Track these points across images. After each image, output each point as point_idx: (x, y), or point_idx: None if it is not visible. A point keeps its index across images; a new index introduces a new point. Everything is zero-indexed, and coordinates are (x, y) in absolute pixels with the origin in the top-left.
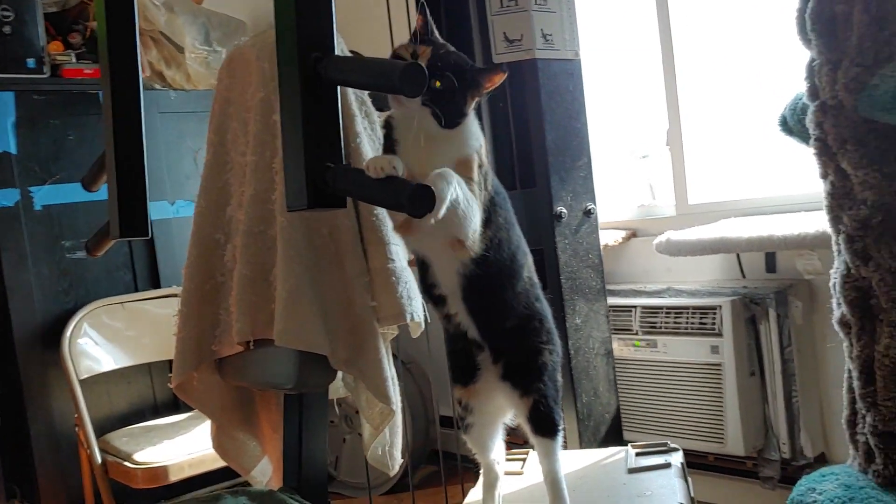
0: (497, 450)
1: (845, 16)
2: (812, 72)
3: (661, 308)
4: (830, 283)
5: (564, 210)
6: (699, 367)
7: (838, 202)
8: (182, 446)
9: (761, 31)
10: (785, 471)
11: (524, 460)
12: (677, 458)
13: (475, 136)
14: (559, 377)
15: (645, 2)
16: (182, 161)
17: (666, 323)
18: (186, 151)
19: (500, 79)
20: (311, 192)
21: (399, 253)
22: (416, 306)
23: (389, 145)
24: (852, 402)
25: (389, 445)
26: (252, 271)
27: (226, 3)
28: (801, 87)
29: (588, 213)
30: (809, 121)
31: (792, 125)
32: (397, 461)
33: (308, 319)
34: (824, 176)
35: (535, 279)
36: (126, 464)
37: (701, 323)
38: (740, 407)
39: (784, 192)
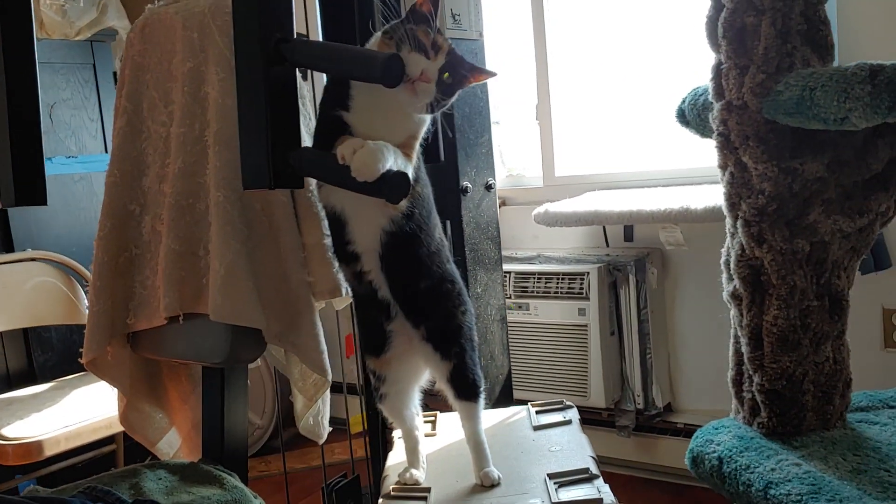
0: (414, 416)
1: (754, 27)
2: (719, 74)
3: (532, 273)
4: (722, 260)
5: (469, 185)
6: (567, 328)
7: (737, 191)
8: (54, 419)
9: (631, 16)
10: (638, 420)
11: (434, 422)
12: (574, 415)
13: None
14: (476, 339)
15: None
16: None
17: (537, 287)
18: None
19: (485, 78)
20: (273, 172)
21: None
22: None
23: (342, 101)
24: (738, 363)
25: (320, 415)
26: (180, 245)
27: None
28: (686, 80)
29: (489, 188)
30: (714, 117)
31: (690, 119)
32: (326, 429)
33: (244, 295)
34: (724, 167)
35: (446, 242)
36: None
37: (569, 288)
38: (603, 364)
39: (641, 168)
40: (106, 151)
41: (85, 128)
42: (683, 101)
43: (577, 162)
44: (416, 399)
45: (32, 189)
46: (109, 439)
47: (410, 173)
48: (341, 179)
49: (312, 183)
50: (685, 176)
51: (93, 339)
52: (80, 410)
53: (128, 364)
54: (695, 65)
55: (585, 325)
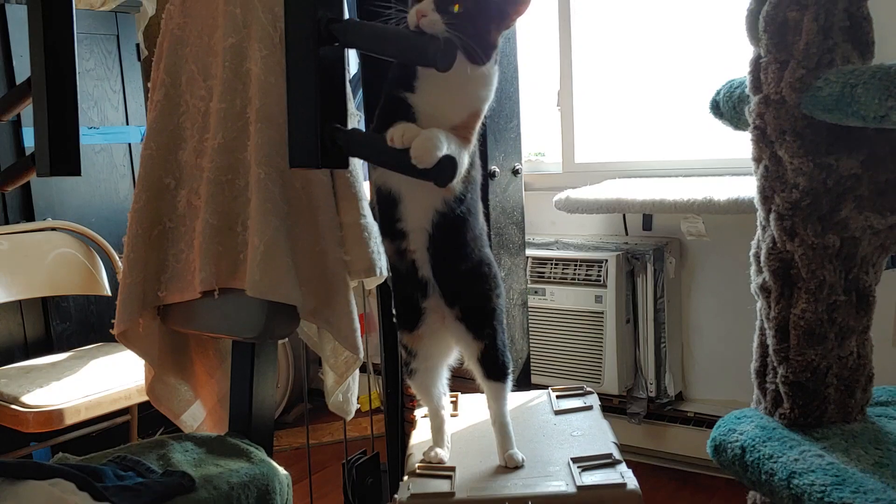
0: (442, 395)
1: (796, 22)
2: (758, 67)
3: (550, 259)
4: (751, 253)
5: (497, 169)
6: (583, 315)
7: (771, 184)
8: (75, 388)
9: (657, 3)
10: (649, 407)
11: (455, 402)
12: (595, 401)
13: (493, 86)
14: (505, 322)
15: None
16: None
17: (554, 273)
18: None
19: (526, 8)
20: (321, 151)
21: (368, 209)
22: (383, 261)
23: (408, 82)
24: (763, 355)
25: (349, 392)
26: (218, 220)
27: None
28: (709, 69)
29: (516, 173)
30: (751, 111)
31: (724, 111)
32: (354, 406)
33: (282, 271)
34: (758, 160)
35: (485, 226)
36: (14, 407)
37: (587, 274)
38: (617, 351)
39: (662, 157)
40: (127, 123)
41: (107, 99)
42: (718, 93)
43: (597, 149)
44: (444, 377)
45: (67, 159)
46: (124, 410)
47: (465, 159)
48: (389, 161)
49: (353, 163)
50: (706, 167)
51: (124, 310)
52: (99, 380)
53: (157, 337)
54: (720, 54)
55: (601, 313)
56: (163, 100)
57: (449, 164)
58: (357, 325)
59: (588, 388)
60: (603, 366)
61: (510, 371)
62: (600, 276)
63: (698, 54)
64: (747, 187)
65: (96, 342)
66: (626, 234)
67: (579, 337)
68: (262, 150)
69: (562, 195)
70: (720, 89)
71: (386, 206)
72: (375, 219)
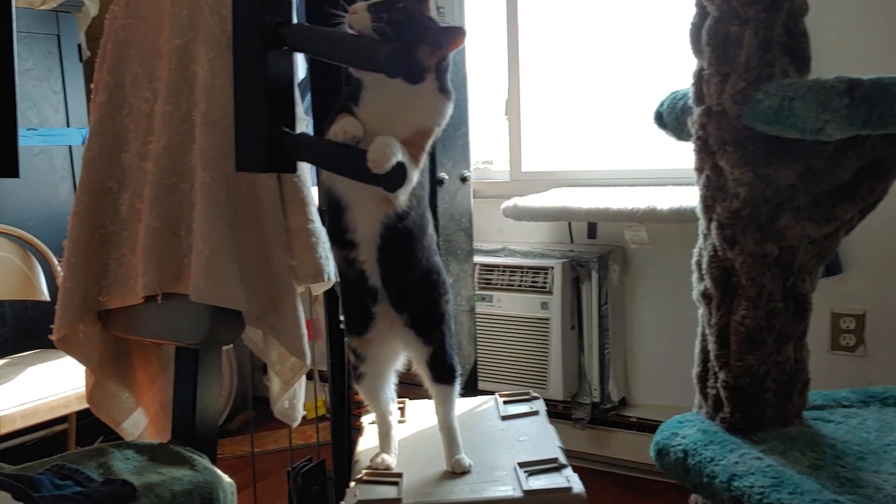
0: (389, 401)
1: (737, 36)
2: (701, 79)
3: (497, 266)
4: (694, 260)
5: (446, 176)
6: (529, 321)
7: (712, 194)
8: (10, 396)
9: (603, 15)
10: (593, 413)
11: (403, 409)
12: (541, 406)
13: (440, 113)
14: (453, 327)
15: None
16: None
17: (501, 280)
18: None
19: (462, 41)
20: (269, 155)
21: (316, 213)
22: (331, 267)
23: (352, 95)
24: (704, 360)
25: (295, 398)
26: (162, 224)
27: None
28: (653, 80)
29: (464, 180)
30: (693, 122)
31: (668, 121)
32: (301, 413)
33: (227, 276)
34: (700, 170)
35: (434, 234)
36: None
37: (533, 281)
38: (562, 357)
39: (607, 167)
40: (68, 125)
41: (47, 100)
42: (662, 105)
43: (544, 158)
44: (392, 382)
45: (5, 161)
46: (62, 419)
47: (415, 175)
48: (338, 165)
49: (301, 167)
50: (650, 177)
51: (64, 315)
52: (36, 388)
53: (98, 342)
54: (664, 65)
55: (547, 319)
56: (106, 101)
57: (398, 170)
58: (304, 330)
59: (534, 394)
60: (548, 371)
61: (458, 374)
62: (546, 283)
63: (643, 65)
64: (689, 197)
65: (33, 349)
66: (572, 241)
67: (525, 343)
68: (207, 153)
69: (509, 203)
70: (664, 100)
71: (334, 213)
72: (324, 224)
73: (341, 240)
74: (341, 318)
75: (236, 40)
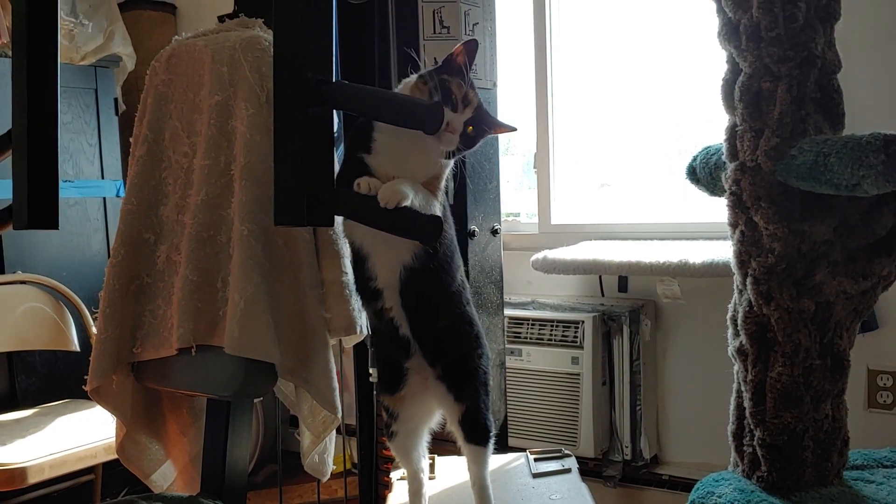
0: (421, 458)
1: (770, 92)
2: (734, 135)
3: (526, 319)
4: (728, 316)
5: (476, 229)
6: (560, 376)
7: (747, 249)
8: (39, 446)
9: (633, 70)
10: (625, 470)
11: (432, 465)
12: (573, 464)
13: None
14: (489, 384)
15: (525, 28)
16: None
17: (531, 334)
18: None
19: (505, 132)
20: (307, 210)
21: (349, 266)
22: (364, 319)
23: (365, 144)
24: (740, 417)
25: (325, 452)
26: (198, 276)
27: None
28: (695, 137)
29: (494, 233)
30: (727, 177)
31: (701, 176)
32: (331, 467)
33: (262, 329)
34: (734, 225)
35: (467, 284)
36: None
37: (563, 335)
38: (593, 413)
39: (637, 220)
40: (103, 177)
41: (83, 152)
42: (695, 160)
43: (573, 211)
44: (424, 440)
45: (46, 213)
46: (88, 469)
47: (437, 209)
48: (375, 219)
49: (335, 220)
50: (681, 230)
51: (98, 366)
52: (65, 438)
53: (130, 394)
54: (695, 120)
55: (578, 374)
56: (145, 155)
57: (435, 222)
58: (335, 384)
59: (566, 451)
60: (579, 428)
61: (492, 434)
62: (577, 337)
63: (673, 120)
64: (721, 251)
65: (63, 398)
66: (602, 295)
67: (556, 398)
68: (245, 206)
69: (539, 255)
70: (697, 155)
71: (357, 263)
72: None
73: (366, 290)
74: (371, 371)
75: (277, 97)
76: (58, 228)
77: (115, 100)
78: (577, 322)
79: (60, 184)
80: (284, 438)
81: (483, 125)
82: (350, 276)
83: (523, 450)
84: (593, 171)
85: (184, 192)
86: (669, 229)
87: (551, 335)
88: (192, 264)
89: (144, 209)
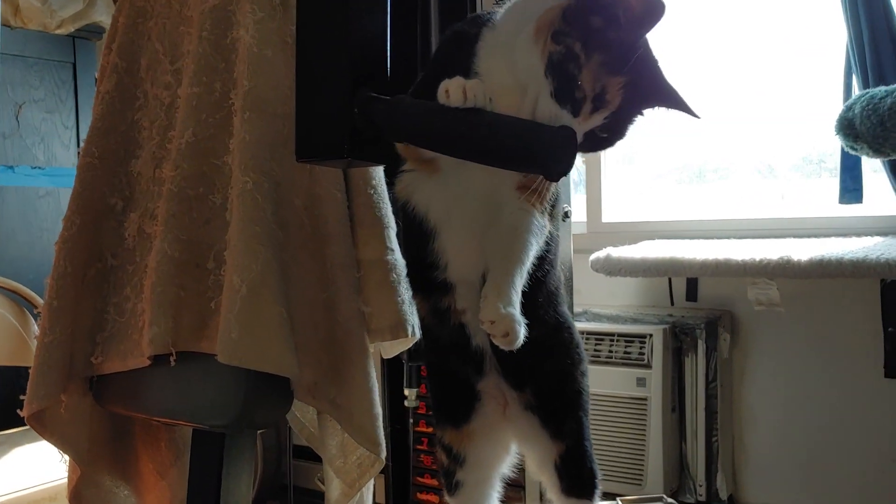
0: None
1: None
2: None
3: (581, 333)
4: None
5: (569, 207)
6: (623, 402)
7: None
8: None
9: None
10: None
11: None
12: None
13: None
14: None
15: None
16: None
17: (586, 349)
18: (5, 104)
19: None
20: (351, 133)
21: (396, 241)
22: (415, 317)
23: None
24: None
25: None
26: (181, 252)
27: None
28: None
29: (565, 216)
30: None
31: (863, 130)
32: None
33: (272, 327)
34: None
35: (561, 276)
36: None
37: (626, 352)
38: (662, 445)
39: (706, 216)
40: None
41: (57, 135)
42: (850, 109)
43: (626, 208)
44: (497, 492)
45: None
46: None
47: (546, 223)
48: (474, 143)
49: (376, 174)
50: (759, 228)
51: (41, 382)
52: (22, 474)
53: (87, 421)
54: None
55: (645, 399)
56: (113, 90)
57: (567, 137)
58: (378, 409)
59: (668, 499)
60: (645, 463)
61: (598, 482)
62: (643, 353)
63: (739, 99)
64: (813, 248)
65: (21, 426)
66: (672, 303)
67: (618, 428)
68: (249, 149)
69: (600, 254)
70: (852, 103)
71: (416, 241)
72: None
73: (426, 280)
74: (406, 392)
75: None
76: None
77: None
78: (643, 336)
79: (28, 171)
80: (288, 470)
81: (630, 118)
82: (397, 255)
83: (612, 497)
84: (651, 162)
85: (163, 137)
86: (745, 227)
87: (611, 351)
88: (172, 234)
89: (110, 164)
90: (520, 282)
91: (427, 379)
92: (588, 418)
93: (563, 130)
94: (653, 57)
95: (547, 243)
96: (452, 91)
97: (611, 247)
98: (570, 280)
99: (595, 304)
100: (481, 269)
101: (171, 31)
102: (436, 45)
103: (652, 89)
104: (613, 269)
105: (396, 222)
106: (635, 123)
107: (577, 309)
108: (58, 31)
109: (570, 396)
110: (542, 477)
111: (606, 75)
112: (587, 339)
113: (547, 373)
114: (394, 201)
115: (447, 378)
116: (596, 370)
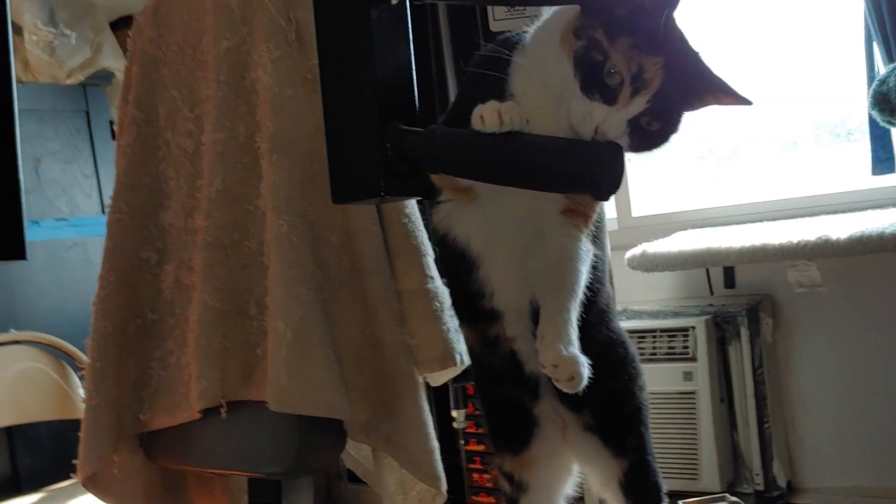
0: None
1: None
2: None
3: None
4: None
5: None
6: (671, 397)
7: None
8: None
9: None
10: None
11: None
12: None
13: None
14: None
15: None
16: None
17: None
18: (24, 160)
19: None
20: (385, 172)
21: (435, 268)
22: (462, 343)
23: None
24: None
25: None
26: (222, 302)
27: None
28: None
29: None
30: None
31: None
32: None
33: (320, 370)
34: None
35: (611, 290)
36: None
37: (670, 347)
38: (715, 437)
39: (738, 201)
40: (104, 212)
41: (78, 185)
42: (884, 83)
43: (653, 199)
44: None
45: (9, 241)
46: None
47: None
48: (516, 168)
49: (409, 205)
50: (792, 208)
51: (92, 445)
52: None
53: (140, 477)
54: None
55: (693, 392)
56: (134, 143)
57: (608, 152)
58: (434, 442)
59: (732, 498)
60: (699, 457)
61: (664, 495)
62: (687, 347)
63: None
64: (854, 223)
65: (72, 479)
66: (711, 293)
67: (668, 424)
68: (280, 192)
69: (636, 251)
70: (886, 77)
71: (458, 269)
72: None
73: (472, 311)
74: (454, 414)
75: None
76: (25, 258)
77: (111, 122)
78: (685, 329)
79: (54, 223)
80: (354, 496)
81: (676, 105)
82: (438, 283)
83: (675, 500)
84: (679, 150)
85: (191, 186)
86: (778, 207)
87: (654, 348)
88: (210, 285)
89: (139, 218)
90: (575, 315)
91: (482, 407)
92: (649, 432)
93: (609, 146)
94: (690, 46)
95: (594, 266)
96: (487, 116)
97: (645, 242)
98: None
99: (633, 300)
100: (528, 296)
101: (186, 77)
102: (451, 70)
103: (694, 74)
104: (650, 265)
105: (435, 250)
106: (686, 116)
107: (616, 307)
108: (68, 82)
109: (629, 413)
110: (606, 495)
111: (640, 55)
112: (630, 336)
113: (604, 392)
114: (433, 232)
115: (502, 405)
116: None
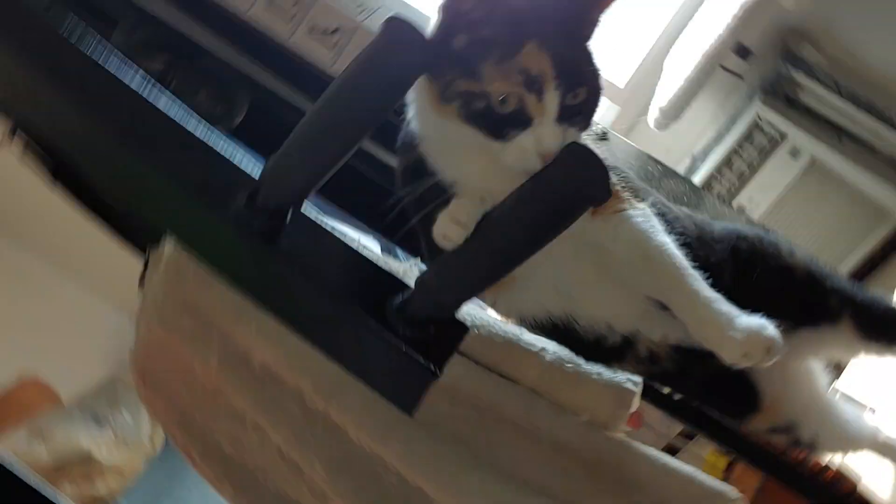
0: (859, 428)
1: None
2: None
3: None
4: None
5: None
6: None
7: None
8: None
9: None
10: None
11: None
12: None
13: None
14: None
15: None
16: None
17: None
18: None
19: None
20: (417, 362)
21: (540, 338)
22: (620, 373)
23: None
24: None
25: None
26: None
27: None
28: None
29: (604, 136)
30: None
31: None
32: None
33: None
34: None
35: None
36: None
37: None
38: None
39: None
40: None
41: None
42: None
43: None
44: (834, 403)
45: None
46: None
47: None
48: (514, 246)
49: (478, 313)
50: None
51: None
52: None
53: None
54: None
55: None
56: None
57: (576, 155)
58: (686, 467)
59: None
60: None
61: None
62: None
63: None
64: None
65: None
66: None
67: None
68: (366, 426)
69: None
70: None
71: (564, 337)
72: None
73: (612, 352)
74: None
75: None
76: None
77: None
78: None
79: None
80: None
81: (578, 54)
82: (550, 350)
83: None
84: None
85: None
86: None
87: None
88: None
89: None
90: (701, 283)
91: (700, 402)
92: (839, 276)
93: (567, 157)
94: None
95: (661, 213)
96: (450, 233)
97: None
98: None
99: None
100: (638, 298)
101: (208, 401)
102: None
103: (565, 10)
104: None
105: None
106: (590, 42)
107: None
108: None
109: (804, 281)
110: (866, 354)
111: (510, 62)
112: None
113: (771, 288)
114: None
115: (716, 388)
116: None
